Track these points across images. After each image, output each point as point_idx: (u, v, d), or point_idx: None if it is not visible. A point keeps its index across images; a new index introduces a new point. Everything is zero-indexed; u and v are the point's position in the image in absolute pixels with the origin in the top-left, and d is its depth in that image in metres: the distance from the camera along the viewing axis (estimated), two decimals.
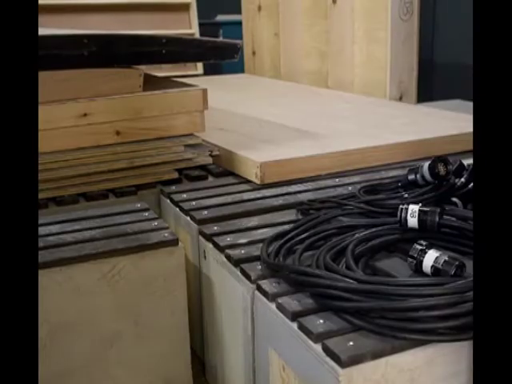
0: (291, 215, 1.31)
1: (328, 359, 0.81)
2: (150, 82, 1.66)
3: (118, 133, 1.56)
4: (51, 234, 1.23)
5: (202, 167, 1.66)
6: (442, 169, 1.25)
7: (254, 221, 1.30)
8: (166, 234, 1.21)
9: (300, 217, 1.29)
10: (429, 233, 1.06)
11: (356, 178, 1.56)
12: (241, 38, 3.42)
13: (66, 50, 1.42)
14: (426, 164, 1.28)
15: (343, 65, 2.81)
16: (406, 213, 1.06)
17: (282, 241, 1.10)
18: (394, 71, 2.57)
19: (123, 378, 1.20)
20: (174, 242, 1.19)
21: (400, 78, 2.60)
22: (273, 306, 0.96)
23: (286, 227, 1.18)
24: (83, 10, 3.08)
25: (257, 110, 2.22)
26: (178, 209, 1.42)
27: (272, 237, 1.13)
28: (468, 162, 1.26)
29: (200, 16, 3.37)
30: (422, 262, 0.96)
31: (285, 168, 1.55)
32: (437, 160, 1.26)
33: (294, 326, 0.89)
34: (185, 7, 3.34)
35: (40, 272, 1.03)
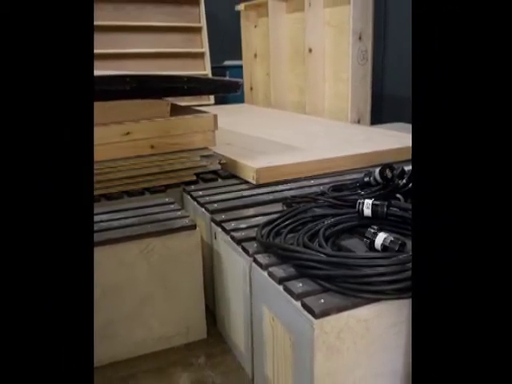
0: (278, 207, 1.31)
1: (305, 312, 0.81)
2: (176, 110, 1.66)
3: (152, 146, 1.56)
4: (102, 221, 1.23)
5: (213, 172, 1.65)
6: (388, 173, 1.25)
7: (251, 211, 1.29)
8: (187, 221, 1.21)
9: (285, 208, 1.29)
10: (379, 220, 1.06)
11: (326, 180, 1.55)
12: (242, 77, 3.41)
13: (113, 86, 1.41)
14: (377, 169, 1.28)
15: (317, 97, 2.82)
16: (363, 205, 1.07)
17: (272, 226, 1.10)
18: (353, 102, 2.57)
19: (155, 327, 1.20)
20: (192, 227, 1.19)
21: (358, 106, 2.60)
22: (265, 273, 0.96)
23: (275, 216, 1.18)
24: (124, 57, 3.10)
25: (254, 130, 2.21)
26: (195, 202, 1.42)
27: (264, 223, 1.13)
28: (408, 168, 1.26)
29: (212, 61, 3.37)
30: (374, 241, 0.96)
31: (274, 172, 1.54)
32: (385, 166, 1.27)
33: (281, 288, 0.89)
34: (201, 55, 3.35)
35: (95, 249, 1.04)
